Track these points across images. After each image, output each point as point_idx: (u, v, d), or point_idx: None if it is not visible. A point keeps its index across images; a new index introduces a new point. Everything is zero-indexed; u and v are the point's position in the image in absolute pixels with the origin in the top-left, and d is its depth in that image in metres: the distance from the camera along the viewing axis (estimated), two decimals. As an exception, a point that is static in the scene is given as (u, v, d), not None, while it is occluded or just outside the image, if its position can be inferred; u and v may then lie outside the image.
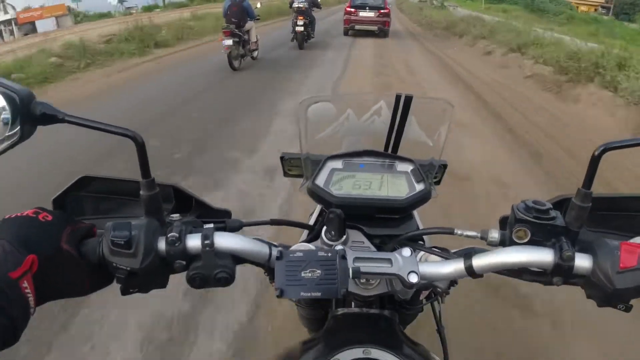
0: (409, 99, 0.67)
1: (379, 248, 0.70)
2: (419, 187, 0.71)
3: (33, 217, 0.52)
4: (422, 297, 0.80)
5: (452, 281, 0.70)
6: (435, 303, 0.89)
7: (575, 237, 0.56)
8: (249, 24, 7.90)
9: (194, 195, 0.68)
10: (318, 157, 0.75)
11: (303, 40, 10.42)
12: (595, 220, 0.62)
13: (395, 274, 0.56)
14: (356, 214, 0.70)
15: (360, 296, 0.68)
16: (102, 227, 0.58)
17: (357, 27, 13.79)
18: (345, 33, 14.08)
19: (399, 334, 0.68)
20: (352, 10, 13.84)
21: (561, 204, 0.60)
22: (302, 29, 10.11)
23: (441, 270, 0.58)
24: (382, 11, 13.80)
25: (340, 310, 0.73)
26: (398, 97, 0.67)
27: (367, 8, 13.64)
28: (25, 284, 0.47)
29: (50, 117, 0.51)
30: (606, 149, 0.51)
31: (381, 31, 13.82)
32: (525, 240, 0.56)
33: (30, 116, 0.50)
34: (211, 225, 0.58)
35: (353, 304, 0.73)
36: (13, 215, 0.51)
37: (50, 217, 0.53)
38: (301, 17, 10.07)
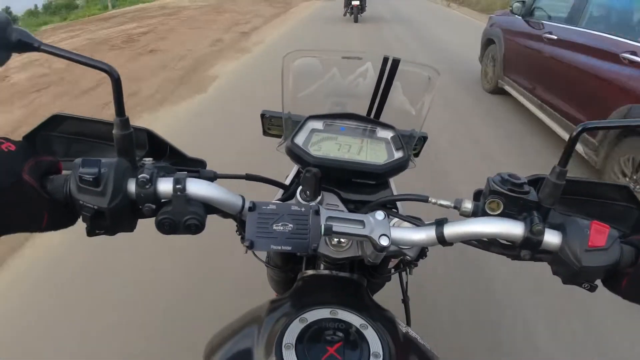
0: (396, 63, 0.65)
1: (353, 213, 0.70)
2: (398, 154, 0.71)
3: None
4: (391, 265, 0.81)
5: (422, 253, 0.70)
6: (403, 274, 0.91)
7: (547, 213, 0.56)
8: None
9: (168, 143, 0.66)
10: (299, 117, 0.73)
11: (358, 13, 11.25)
12: (566, 204, 0.63)
13: (366, 236, 0.55)
14: (333, 177, 0.70)
15: (331, 258, 0.68)
16: (70, 168, 0.56)
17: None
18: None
19: (367, 298, 0.69)
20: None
21: (536, 182, 0.61)
22: (357, 2, 11.04)
23: (413, 236, 0.59)
24: None
25: (310, 272, 0.73)
26: (385, 60, 0.66)
27: None
28: None
29: (26, 45, 0.49)
30: (584, 129, 0.51)
31: None
32: (497, 212, 0.57)
33: (5, 42, 0.47)
34: (184, 172, 0.57)
35: (322, 266, 0.73)
36: None
37: (13, 147, 0.50)
38: None
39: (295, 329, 0.54)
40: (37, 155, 0.53)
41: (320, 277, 0.72)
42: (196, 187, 0.54)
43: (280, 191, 0.77)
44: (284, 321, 0.56)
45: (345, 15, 11.56)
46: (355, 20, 11.12)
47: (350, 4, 11.16)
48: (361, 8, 11.37)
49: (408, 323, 0.86)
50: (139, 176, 0.52)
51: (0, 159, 0.49)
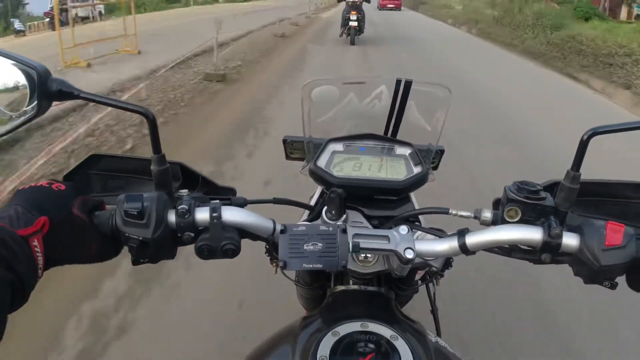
0: (408, 84, 0.69)
1: (377, 228, 0.73)
2: (417, 169, 0.73)
3: (47, 186, 0.55)
4: (417, 277, 0.83)
5: (447, 263, 0.73)
6: (430, 285, 0.92)
7: (564, 217, 0.58)
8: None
9: (200, 174, 0.70)
10: (320, 140, 0.77)
11: (355, 35, 10.29)
12: (583, 205, 0.65)
13: (392, 250, 0.58)
14: (355, 195, 0.73)
15: (358, 274, 0.70)
16: (110, 203, 0.60)
17: None
18: None
19: (396, 311, 0.71)
20: None
21: (551, 188, 0.63)
22: (355, 23, 10.09)
23: (436, 247, 0.61)
24: None
25: (339, 288, 0.76)
26: (398, 82, 0.69)
27: None
28: (36, 243, 0.49)
29: (66, 94, 0.53)
30: (594, 133, 0.53)
31: None
32: (516, 220, 0.59)
33: (46, 92, 0.52)
34: (218, 200, 0.61)
35: (351, 281, 0.76)
36: (27, 186, 0.54)
37: (63, 187, 0.56)
38: (354, 12, 9.99)
39: (328, 342, 0.57)
40: (84, 194, 0.59)
41: (349, 292, 0.74)
42: (231, 214, 0.58)
43: (306, 212, 0.80)
44: (317, 336, 0.59)
45: (341, 36, 10.62)
46: (352, 43, 10.14)
47: (348, 24, 10.20)
48: (359, 29, 10.37)
49: (438, 333, 0.88)
50: (179, 207, 0.56)
51: (53, 196, 0.54)
